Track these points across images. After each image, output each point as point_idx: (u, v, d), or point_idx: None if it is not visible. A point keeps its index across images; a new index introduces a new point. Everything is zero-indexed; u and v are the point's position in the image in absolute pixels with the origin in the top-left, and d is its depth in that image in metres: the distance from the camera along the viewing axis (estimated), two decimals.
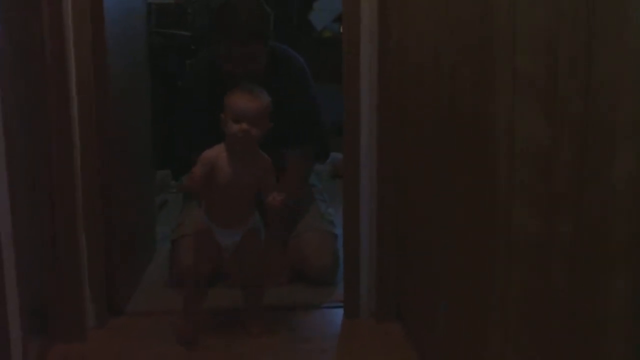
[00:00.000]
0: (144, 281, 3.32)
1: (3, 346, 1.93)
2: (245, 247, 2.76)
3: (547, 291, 1.47)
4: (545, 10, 1.49)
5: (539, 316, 1.51)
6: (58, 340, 2.73)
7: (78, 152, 2.70)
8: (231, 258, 2.81)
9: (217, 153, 2.66)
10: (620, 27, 1.31)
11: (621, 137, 1.37)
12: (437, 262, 2.27)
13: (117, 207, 2.95)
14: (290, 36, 4.86)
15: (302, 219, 3.36)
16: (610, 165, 1.26)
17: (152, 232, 3.61)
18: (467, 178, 1.89)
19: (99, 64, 2.76)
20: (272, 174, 2.73)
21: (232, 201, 2.69)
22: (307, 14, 5.44)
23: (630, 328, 1.41)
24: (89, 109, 2.72)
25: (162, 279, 3.29)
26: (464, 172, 1.93)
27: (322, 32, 5.43)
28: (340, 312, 3.00)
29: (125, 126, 3.13)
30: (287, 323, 2.92)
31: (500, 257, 1.66)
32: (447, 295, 2.11)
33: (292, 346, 2.76)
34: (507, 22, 1.61)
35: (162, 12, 4.90)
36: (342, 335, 2.90)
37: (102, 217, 2.84)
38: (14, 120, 2.19)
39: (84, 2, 2.66)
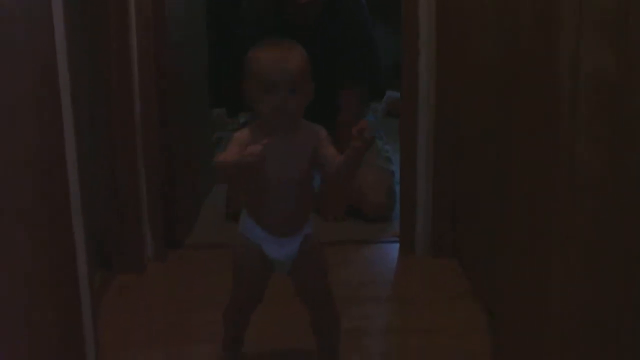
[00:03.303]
0: (202, 215, 3.37)
1: (72, 276, 1.98)
2: (306, 262, 2.09)
3: (613, 228, 1.46)
4: None
5: (604, 253, 1.51)
6: (119, 272, 2.80)
7: (137, 89, 2.73)
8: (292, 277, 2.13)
9: (250, 137, 1.97)
10: None
11: None
12: (495, 199, 2.26)
13: (175, 142, 2.99)
14: None
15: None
16: None
17: (209, 168, 3.64)
18: (529, 114, 1.88)
19: (158, 4, 2.78)
20: (329, 141, 2.03)
21: (283, 199, 2.02)
22: None
23: None
24: (147, 50, 2.75)
25: (220, 212, 3.33)
26: (526, 107, 1.91)
27: None
28: (396, 247, 3.03)
29: (182, 65, 3.15)
30: (344, 258, 2.95)
31: (563, 194, 1.65)
32: (505, 231, 2.11)
33: (348, 279, 2.79)
34: None
35: None
36: (398, 269, 2.94)
37: (161, 152, 2.88)
38: (77, 60, 2.22)
39: None
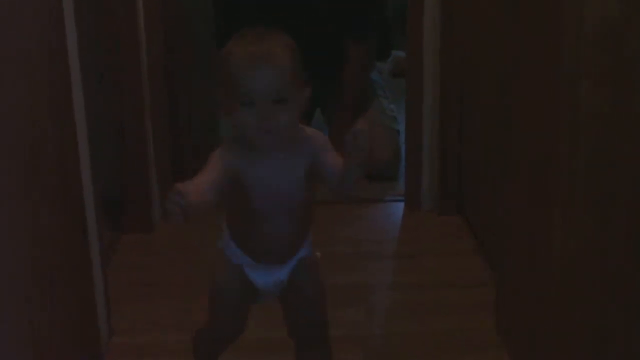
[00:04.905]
0: None
1: (82, 235, 2.00)
2: (299, 289, 1.75)
3: (615, 171, 1.48)
4: None
5: (606, 198, 1.52)
6: (127, 231, 2.82)
7: (144, 48, 2.73)
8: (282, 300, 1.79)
9: (226, 157, 1.58)
10: None
11: None
12: (500, 156, 2.28)
13: (182, 101, 3.01)
14: None
15: (364, 115, 3.37)
16: None
17: (216, 127, 3.65)
18: (533, 58, 1.88)
19: None
20: (329, 147, 1.63)
21: (275, 227, 1.65)
22: None
23: None
24: (154, 2, 2.75)
25: None
26: (530, 53, 1.91)
27: None
28: (401, 205, 3.05)
29: (189, 18, 3.14)
30: (349, 215, 2.98)
31: (565, 135, 1.66)
32: (511, 187, 2.13)
33: (354, 236, 2.82)
34: None
35: None
36: (403, 226, 2.96)
37: (169, 109, 2.88)
38: (84, 13, 2.22)
39: None
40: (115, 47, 2.66)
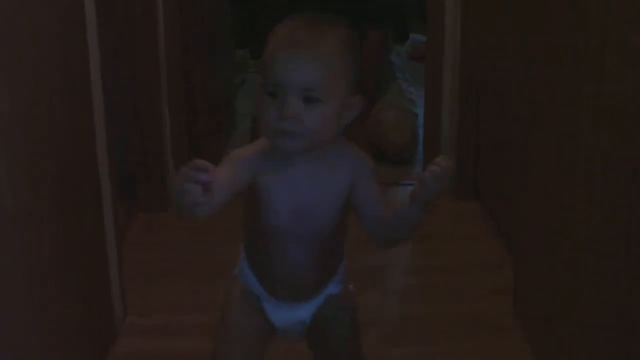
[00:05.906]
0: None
1: (97, 212, 1.99)
2: (326, 332, 1.50)
3: (636, 147, 1.46)
4: None
5: (627, 177, 1.50)
6: (143, 209, 2.82)
7: (161, 25, 2.72)
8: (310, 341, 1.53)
9: (256, 160, 1.35)
10: None
11: None
12: (517, 135, 2.26)
13: (199, 80, 2.99)
14: None
15: (382, 97, 3.35)
16: None
17: (232, 108, 3.65)
18: (555, 48, 1.86)
19: None
20: (373, 179, 1.41)
21: (291, 248, 1.40)
22: None
23: None
24: None
25: None
26: (552, 42, 1.89)
27: None
28: None
29: (206, 3, 3.14)
30: None
31: (586, 114, 1.64)
32: (529, 169, 2.11)
33: None
34: None
35: None
36: None
37: (184, 90, 2.87)
38: None
39: None
40: (132, 23, 2.65)
